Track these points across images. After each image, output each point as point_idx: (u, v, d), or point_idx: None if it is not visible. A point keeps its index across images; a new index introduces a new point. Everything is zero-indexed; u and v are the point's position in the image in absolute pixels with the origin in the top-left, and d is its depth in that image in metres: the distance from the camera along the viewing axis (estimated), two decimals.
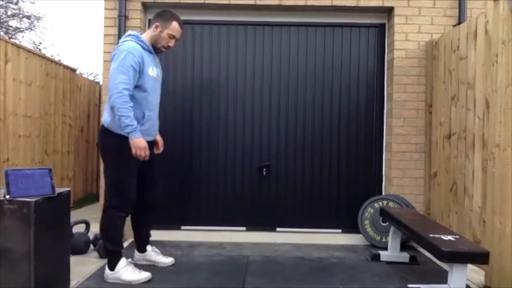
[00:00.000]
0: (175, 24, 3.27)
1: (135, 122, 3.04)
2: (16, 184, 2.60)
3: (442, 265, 3.61)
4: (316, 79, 4.81)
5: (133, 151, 3.05)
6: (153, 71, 3.24)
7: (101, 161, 3.48)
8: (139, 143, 3.04)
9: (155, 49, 3.30)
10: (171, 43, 3.30)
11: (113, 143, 3.14)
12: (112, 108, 3.06)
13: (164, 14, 3.30)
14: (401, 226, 3.40)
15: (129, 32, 3.32)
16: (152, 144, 3.43)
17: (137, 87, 3.13)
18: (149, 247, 3.63)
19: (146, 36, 3.28)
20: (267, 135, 4.82)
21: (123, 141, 3.09)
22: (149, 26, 3.34)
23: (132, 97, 3.08)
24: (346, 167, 4.81)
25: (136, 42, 3.16)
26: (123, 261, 3.24)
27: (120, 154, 3.11)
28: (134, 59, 3.06)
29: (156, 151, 3.55)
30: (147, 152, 3.10)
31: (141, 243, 3.62)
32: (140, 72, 3.11)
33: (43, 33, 15.92)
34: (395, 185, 4.53)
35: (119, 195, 3.19)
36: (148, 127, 3.27)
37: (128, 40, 3.17)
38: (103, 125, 3.24)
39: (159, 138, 3.58)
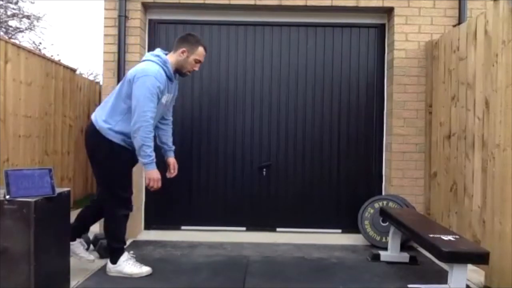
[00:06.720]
0: (201, 50, 3.29)
1: (153, 154, 3.13)
2: (16, 185, 2.60)
3: (442, 265, 3.61)
4: (316, 79, 4.81)
5: (147, 181, 3.16)
6: (165, 98, 3.26)
7: None
8: (154, 175, 3.16)
9: (180, 73, 3.31)
10: (196, 67, 3.32)
11: (106, 147, 3.18)
12: (134, 134, 3.08)
13: (190, 39, 3.28)
14: (401, 226, 3.40)
15: (158, 52, 3.26)
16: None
17: None
18: (79, 239, 3.46)
19: (171, 59, 3.25)
20: (267, 135, 4.82)
21: (114, 145, 3.17)
22: (174, 50, 3.28)
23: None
24: (346, 167, 4.81)
25: (162, 68, 3.16)
26: (125, 255, 3.33)
27: (114, 158, 3.18)
28: (160, 88, 3.11)
29: (168, 175, 3.53)
30: (159, 184, 3.19)
31: (80, 232, 3.46)
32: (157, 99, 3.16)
33: (43, 33, 15.81)
34: (395, 185, 4.53)
35: (118, 195, 3.26)
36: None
37: (155, 62, 3.16)
38: (94, 127, 3.23)
39: (171, 161, 3.55)
